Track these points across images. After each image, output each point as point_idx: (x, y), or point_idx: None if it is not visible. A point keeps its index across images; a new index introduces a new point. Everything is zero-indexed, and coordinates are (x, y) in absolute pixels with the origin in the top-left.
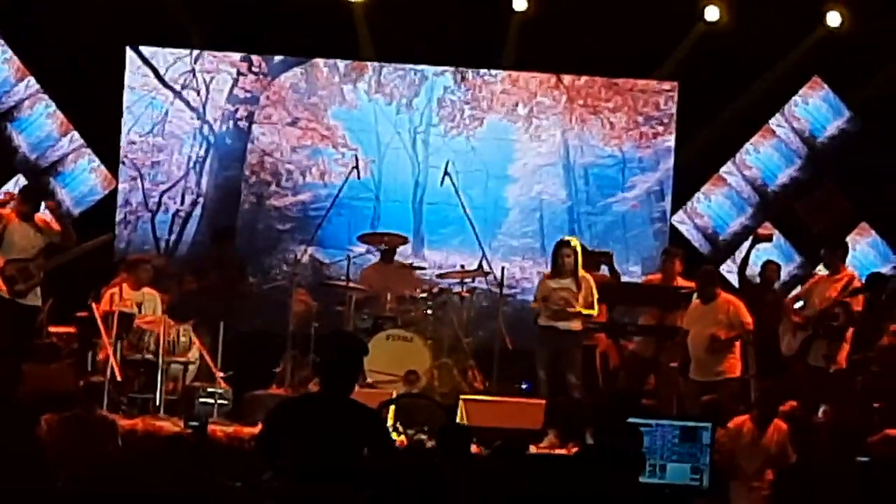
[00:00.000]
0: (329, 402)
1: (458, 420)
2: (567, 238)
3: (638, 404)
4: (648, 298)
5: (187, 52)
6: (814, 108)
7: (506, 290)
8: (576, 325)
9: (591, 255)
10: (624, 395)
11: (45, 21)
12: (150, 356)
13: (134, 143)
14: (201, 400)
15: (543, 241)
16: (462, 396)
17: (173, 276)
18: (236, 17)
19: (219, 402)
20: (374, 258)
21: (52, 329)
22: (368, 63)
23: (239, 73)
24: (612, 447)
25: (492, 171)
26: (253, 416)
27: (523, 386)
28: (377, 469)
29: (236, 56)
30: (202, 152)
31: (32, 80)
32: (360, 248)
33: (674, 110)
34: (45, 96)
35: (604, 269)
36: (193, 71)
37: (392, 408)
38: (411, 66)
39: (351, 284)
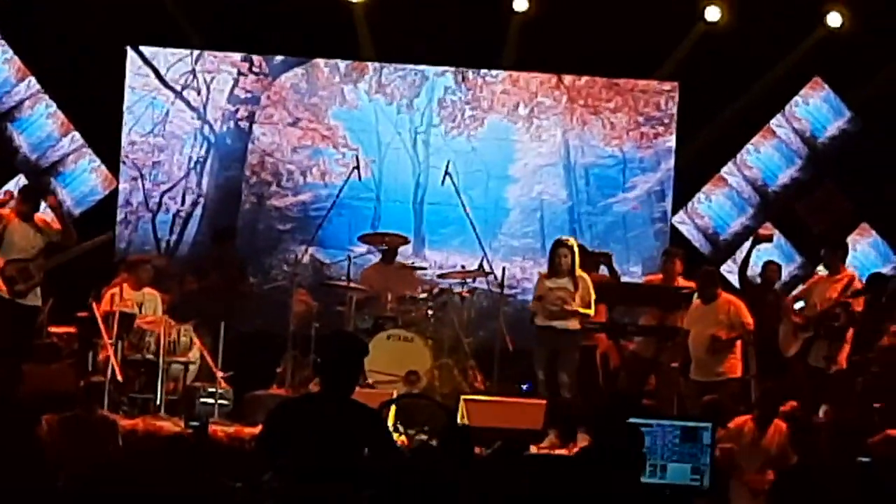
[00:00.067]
0: (329, 402)
1: (458, 420)
2: (564, 238)
3: (638, 404)
4: (649, 299)
5: (188, 52)
6: (814, 109)
7: (506, 291)
8: (573, 324)
9: (591, 256)
10: (624, 396)
11: (45, 21)
12: (150, 356)
13: (134, 143)
14: (202, 400)
15: (544, 242)
16: (463, 397)
17: (174, 276)
18: (237, 17)
19: (219, 402)
20: (375, 258)
21: (53, 329)
22: (369, 63)
23: (240, 74)
24: (612, 447)
25: (492, 171)
26: (253, 417)
27: (524, 386)
28: (378, 469)
29: (237, 56)
30: (203, 152)
31: (33, 80)
32: (361, 248)
33: (674, 111)
34: (46, 96)
35: (603, 270)
36: (194, 71)
37: (393, 408)
38: (412, 66)
39: (351, 285)
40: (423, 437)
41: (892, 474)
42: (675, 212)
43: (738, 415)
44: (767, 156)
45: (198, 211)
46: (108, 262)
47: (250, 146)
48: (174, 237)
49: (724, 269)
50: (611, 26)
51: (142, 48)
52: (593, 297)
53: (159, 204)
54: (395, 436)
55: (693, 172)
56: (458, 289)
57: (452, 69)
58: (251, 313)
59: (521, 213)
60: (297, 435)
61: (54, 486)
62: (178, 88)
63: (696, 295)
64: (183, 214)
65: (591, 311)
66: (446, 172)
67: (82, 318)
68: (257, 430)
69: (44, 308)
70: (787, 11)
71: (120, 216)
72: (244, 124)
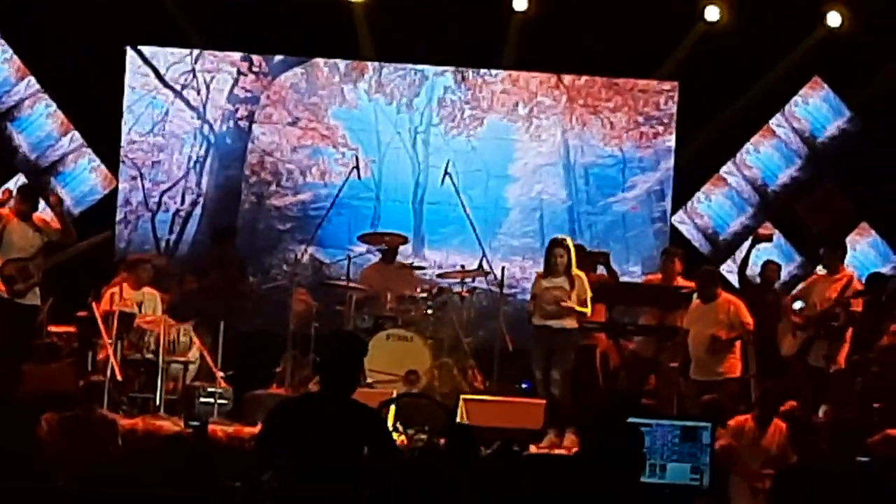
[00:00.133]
0: (329, 401)
1: (458, 420)
2: (560, 237)
3: (638, 404)
4: (649, 298)
5: (188, 51)
6: (814, 108)
7: (506, 290)
8: (569, 323)
9: (588, 256)
10: (624, 395)
11: (45, 21)
12: (150, 356)
13: (134, 142)
14: (201, 400)
15: (543, 241)
16: (462, 396)
17: (174, 275)
18: (236, 16)
19: (219, 401)
20: (375, 258)
21: (53, 328)
22: (369, 63)
23: (239, 73)
24: (612, 447)
25: (492, 170)
26: (253, 416)
27: (523, 386)
28: (377, 469)
29: (236, 56)
30: (202, 152)
31: (33, 79)
32: (361, 247)
33: (674, 110)
34: (46, 96)
35: (601, 270)
36: (194, 71)
37: (392, 407)
38: (412, 65)
39: (351, 284)
40: (423, 436)
41: (891, 474)
42: (674, 211)
43: (738, 414)
44: (767, 155)
45: (197, 210)
46: (107, 262)
47: (250, 146)
48: (174, 237)
49: (723, 268)
50: (610, 26)
51: (141, 48)
52: (589, 295)
53: (159, 203)
54: (395, 435)
55: (693, 172)
56: (457, 288)
57: (452, 69)
58: (251, 313)
59: (521, 213)
60: (297, 434)
61: (54, 485)
62: (178, 88)
63: (695, 294)
64: (182, 214)
65: (588, 310)
66: (446, 172)
67: (82, 317)
68: (257, 429)
69: (43, 307)
70: (787, 11)
71: (119, 215)
72: (244, 124)
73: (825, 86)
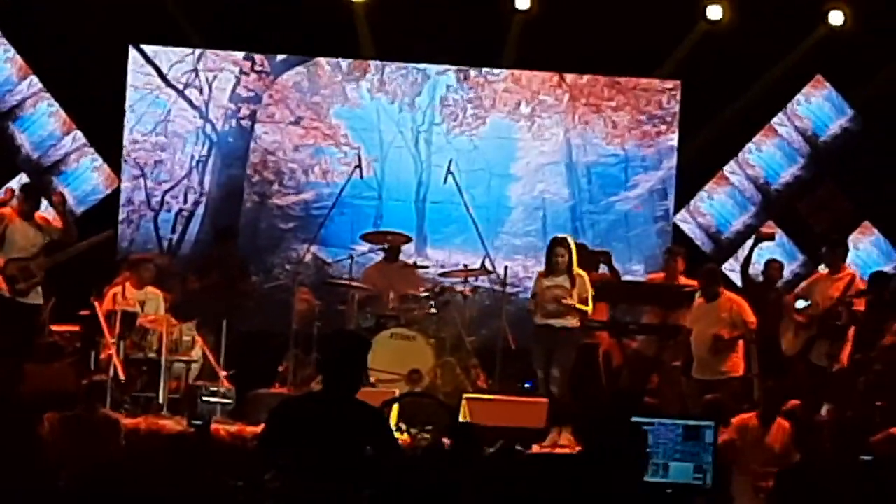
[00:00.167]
0: (331, 400)
1: (461, 419)
2: (561, 236)
3: (641, 403)
4: (651, 297)
5: (190, 51)
6: (816, 107)
7: (509, 289)
8: (570, 322)
9: (590, 255)
10: (627, 394)
11: (47, 20)
12: (152, 355)
13: (137, 141)
14: (204, 399)
15: (546, 240)
16: (465, 395)
17: (176, 274)
18: (239, 16)
19: (222, 400)
20: (377, 257)
21: (55, 328)
22: (371, 62)
23: (241, 72)
24: (615, 446)
25: (494, 169)
26: (256, 415)
27: (526, 385)
28: (380, 468)
29: (239, 55)
30: (205, 151)
31: (35, 78)
32: (363, 246)
33: (676, 109)
34: (48, 95)
35: (603, 269)
36: (196, 70)
37: (395, 407)
38: (414, 64)
39: (354, 283)
40: (426, 435)
41: (894, 473)
42: (677, 210)
43: (740, 413)
44: (769, 154)
45: (200, 210)
46: (110, 261)
47: (252, 145)
48: (176, 236)
49: (726, 267)
50: (613, 25)
51: (144, 47)
52: (591, 293)
53: (161, 203)
54: (398, 434)
55: (695, 171)
56: (460, 287)
57: (454, 68)
58: (253, 312)
59: (524, 212)
60: (299, 434)
61: (56, 485)
62: (180, 87)
63: (698, 293)
64: (185, 213)
65: (589, 308)
66: (448, 171)
67: (84, 316)
68: (259, 428)
69: (45, 307)
70: (789, 10)
71: (122, 215)
72: (246, 123)
73: (827, 84)
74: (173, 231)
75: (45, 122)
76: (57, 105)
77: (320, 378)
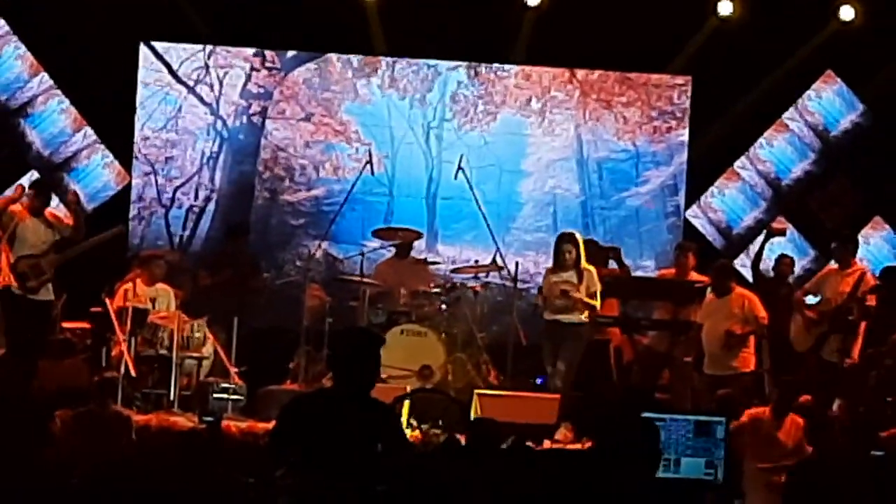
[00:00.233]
0: (342, 397)
1: (472, 415)
2: (568, 232)
3: (652, 399)
4: (662, 293)
5: (200, 47)
6: (827, 103)
7: (520, 285)
8: (578, 317)
9: (600, 251)
10: (638, 390)
11: (57, 17)
12: (164, 352)
13: (147, 138)
14: (215, 395)
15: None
16: (476, 391)
17: (187, 271)
18: (249, 12)
19: (233, 397)
20: (388, 253)
21: (66, 325)
22: (381, 58)
23: (252, 69)
24: (627, 442)
25: (505, 165)
26: (267, 412)
27: (537, 381)
28: (390, 465)
29: (249, 51)
30: (216, 148)
31: (46, 75)
32: (374, 243)
33: (687, 105)
34: (59, 92)
35: (612, 265)
36: (207, 66)
37: (406, 403)
38: (424, 60)
39: (365, 279)
40: (437, 431)
41: None
42: (688, 206)
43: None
44: (780, 149)
45: (211, 206)
46: (121, 258)
47: (263, 141)
48: (187, 232)
49: (737, 263)
50: (623, 20)
51: (154, 44)
52: (599, 288)
53: (172, 199)
54: (409, 431)
55: (706, 166)
56: (471, 283)
57: (465, 64)
58: (264, 308)
59: (534, 208)
60: (310, 430)
61: (68, 481)
62: (191, 84)
63: (709, 289)
64: (196, 210)
65: (597, 303)
66: (459, 167)
67: (96, 313)
68: (271, 425)
69: (57, 304)
70: (800, 5)
71: (133, 212)
72: (257, 119)
73: (838, 80)
74: (184, 228)
75: (56, 118)
76: (67, 102)
77: (331, 375)
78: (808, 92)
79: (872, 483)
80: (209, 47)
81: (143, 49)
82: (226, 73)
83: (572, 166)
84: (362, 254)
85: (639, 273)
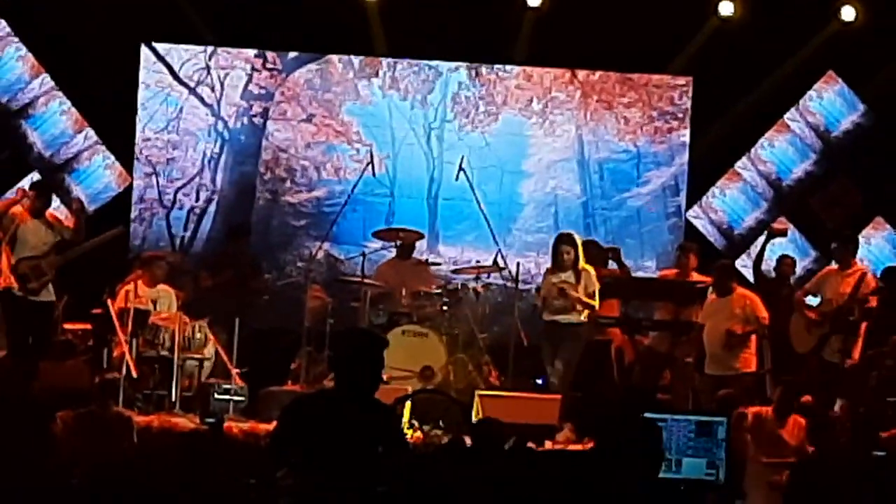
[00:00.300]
0: (343, 398)
1: (474, 416)
2: (567, 232)
3: (653, 399)
4: (663, 293)
5: (202, 48)
6: (828, 103)
7: (521, 286)
8: (577, 318)
9: (599, 251)
10: (639, 391)
11: (59, 18)
12: (165, 353)
13: (149, 139)
14: (217, 396)
15: None
16: (477, 392)
17: (188, 272)
18: (250, 13)
19: (234, 398)
20: (390, 254)
21: (68, 326)
22: (383, 59)
23: (253, 70)
24: (628, 443)
25: (506, 166)
26: (268, 413)
27: (538, 381)
28: (391, 466)
29: (250, 52)
30: (217, 149)
31: (47, 77)
32: (375, 244)
33: (688, 105)
34: (60, 93)
35: (612, 266)
36: (208, 67)
37: (408, 404)
38: (425, 61)
39: (366, 280)
40: (439, 432)
41: None
42: (689, 206)
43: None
44: (781, 150)
45: (212, 207)
46: (122, 259)
47: (264, 142)
48: (188, 234)
49: (738, 263)
50: (624, 21)
51: (155, 45)
52: (597, 287)
53: (173, 200)
54: (410, 432)
55: (707, 167)
56: (472, 284)
57: (466, 64)
58: (265, 309)
59: (536, 209)
60: (311, 431)
61: (69, 482)
62: (192, 85)
63: (710, 289)
64: (197, 211)
65: (595, 303)
66: (460, 168)
67: (97, 314)
68: (272, 426)
69: (58, 305)
70: (801, 5)
71: (134, 213)
72: (258, 120)
73: (839, 80)
74: (185, 229)
75: (57, 120)
76: (69, 103)
77: (332, 376)
78: (809, 92)
79: (873, 483)
80: (210, 48)
81: (144, 50)
82: (227, 75)
83: (573, 167)
84: (363, 255)
85: (640, 274)
